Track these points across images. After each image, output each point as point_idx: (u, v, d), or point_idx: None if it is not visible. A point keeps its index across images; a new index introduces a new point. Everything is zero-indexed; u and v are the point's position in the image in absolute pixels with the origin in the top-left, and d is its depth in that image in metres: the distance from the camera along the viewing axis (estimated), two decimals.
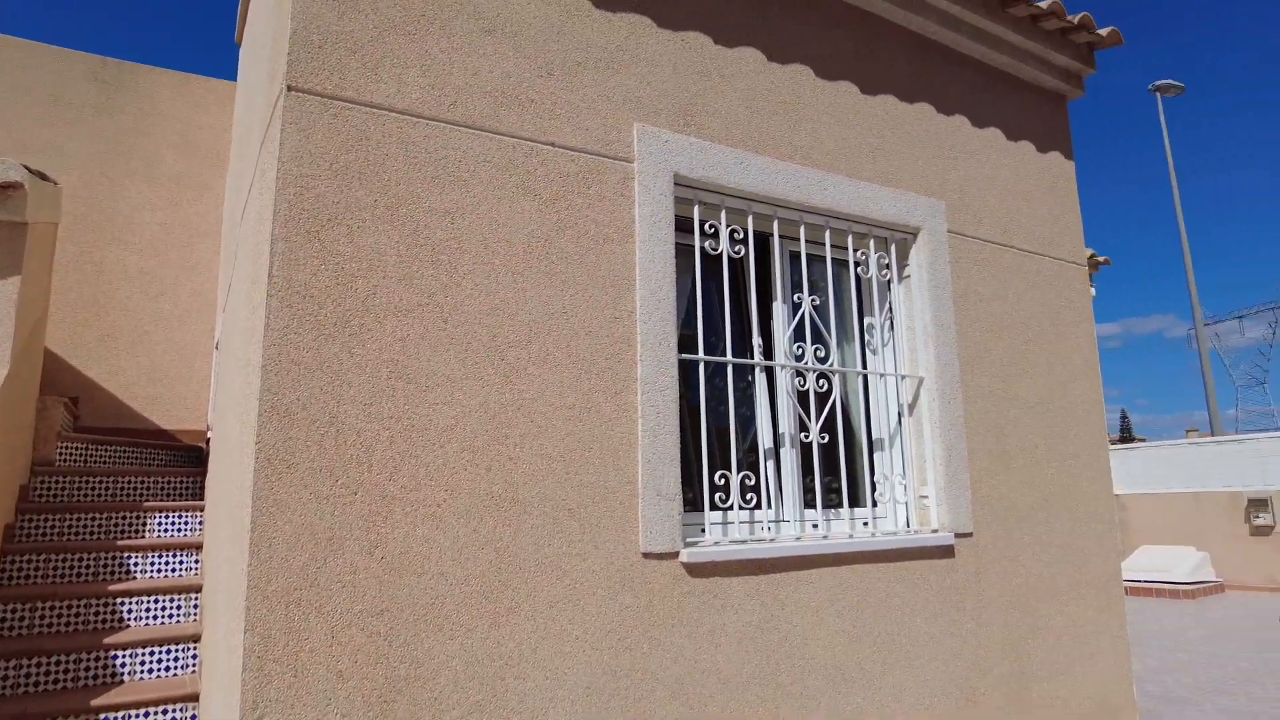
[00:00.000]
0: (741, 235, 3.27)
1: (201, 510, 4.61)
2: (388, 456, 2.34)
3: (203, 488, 4.97)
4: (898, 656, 3.25)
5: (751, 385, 3.42)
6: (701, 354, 3.06)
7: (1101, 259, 8.97)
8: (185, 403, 6.83)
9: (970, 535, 3.58)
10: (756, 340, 3.45)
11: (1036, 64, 4.44)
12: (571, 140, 2.82)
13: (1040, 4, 4.18)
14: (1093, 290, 8.90)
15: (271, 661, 2.08)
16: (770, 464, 3.36)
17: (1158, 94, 20.61)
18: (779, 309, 3.44)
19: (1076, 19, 4.36)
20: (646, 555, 2.71)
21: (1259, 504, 13.11)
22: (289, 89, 2.33)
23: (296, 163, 2.31)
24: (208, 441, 5.39)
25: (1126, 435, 50.33)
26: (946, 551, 3.48)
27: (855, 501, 3.54)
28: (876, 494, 3.58)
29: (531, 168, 2.72)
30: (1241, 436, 13.98)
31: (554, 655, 2.50)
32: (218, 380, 4.87)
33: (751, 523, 3.20)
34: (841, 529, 3.41)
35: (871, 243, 3.66)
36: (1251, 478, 13.52)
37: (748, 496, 3.14)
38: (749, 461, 3.35)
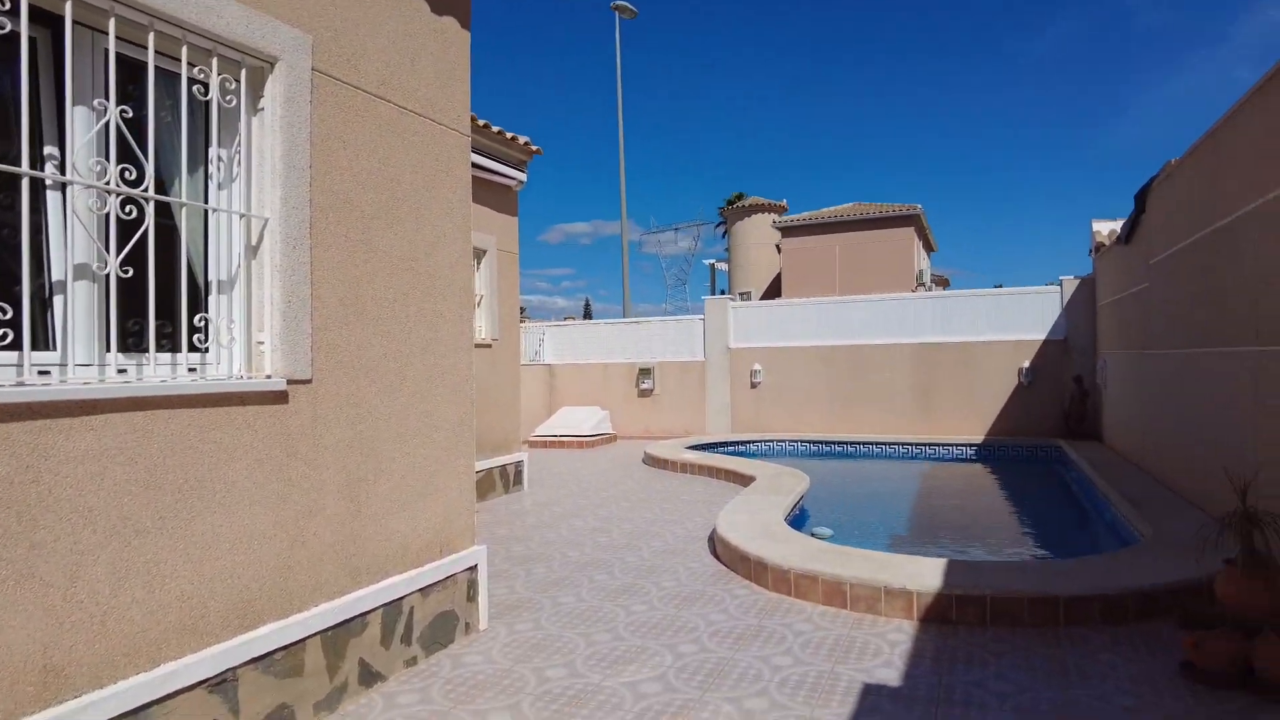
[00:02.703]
0: (10, 6, 2.60)
1: None
2: None
3: None
4: (211, 504, 3.14)
5: (39, 205, 2.84)
6: None
7: (535, 148, 9.79)
8: None
9: (309, 382, 3.59)
10: (51, 150, 2.86)
11: None
12: None
13: None
14: (524, 176, 9.70)
15: None
16: (59, 299, 2.88)
17: (616, 13, 23.11)
18: (76, 113, 2.88)
19: None
20: None
21: (645, 372, 16.35)
22: None
23: None
24: None
25: (588, 318, 58.57)
26: (279, 398, 3.44)
27: (185, 346, 3.26)
28: (206, 338, 3.35)
29: None
30: (640, 320, 17.13)
31: None
32: None
33: (20, 365, 2.71)
34: (158, 374, 3.12)
35: (215, 61, 3.27)
36: (644, 352, 16.73)
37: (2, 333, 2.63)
38: (35, 296, 2.81)
